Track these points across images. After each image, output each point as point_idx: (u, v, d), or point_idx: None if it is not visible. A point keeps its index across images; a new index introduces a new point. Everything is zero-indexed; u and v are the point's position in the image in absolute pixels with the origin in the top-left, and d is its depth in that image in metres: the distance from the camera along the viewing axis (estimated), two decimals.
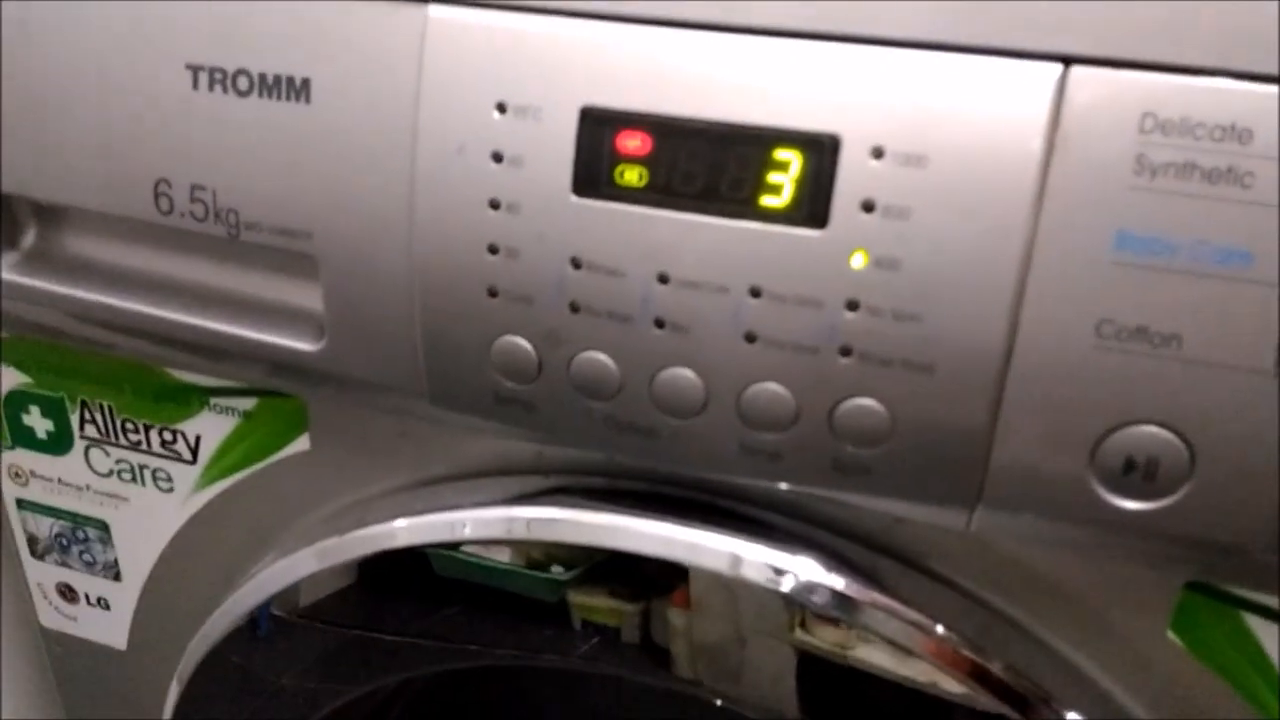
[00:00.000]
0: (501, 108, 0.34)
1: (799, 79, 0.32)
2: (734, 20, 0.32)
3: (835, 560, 0.40)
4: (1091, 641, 0.40)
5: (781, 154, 0.32)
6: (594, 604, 0.43)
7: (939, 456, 0.34)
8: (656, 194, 0.34)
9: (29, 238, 0.46)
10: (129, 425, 0.52)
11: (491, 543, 0.44)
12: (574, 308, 0.36)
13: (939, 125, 0.31)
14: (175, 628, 0.55)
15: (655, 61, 0.33)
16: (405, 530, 0.45)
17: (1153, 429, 0.31)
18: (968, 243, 0.31)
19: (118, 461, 0.53)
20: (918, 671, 0.39)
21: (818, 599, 0.39)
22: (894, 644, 0.39)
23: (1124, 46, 0.29)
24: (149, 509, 0.54)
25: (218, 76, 0.38)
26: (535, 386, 0.38)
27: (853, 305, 0.33)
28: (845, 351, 0.33)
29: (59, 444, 0.54)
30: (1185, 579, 0.38)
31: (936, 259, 0.31)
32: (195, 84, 0.38)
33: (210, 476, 0.51)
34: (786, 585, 0.39)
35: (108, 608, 0.59)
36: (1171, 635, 0.39)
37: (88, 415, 0.53)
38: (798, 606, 0.39)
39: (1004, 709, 0.38)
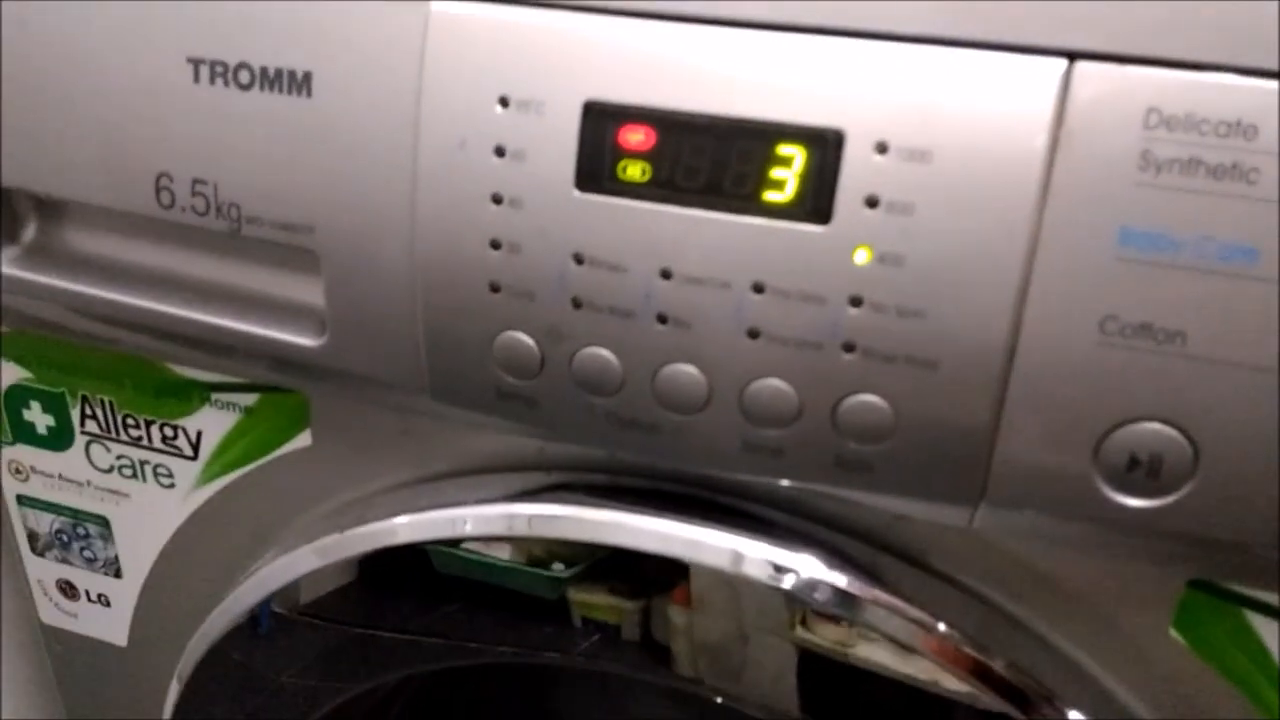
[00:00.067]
0: (504, 102, 0.34)
1: (803, 74, 0.32)
2: (738, 15, 0.32)
3: (837, 557, 0.40)
4: (1093, 639, 0.40)
5: (785, 149, 0.32)
6: (594, 601, 0.43)
7: (942, 453, 0.34)
8: (659, 189, 0.34)
9: (29, 232, 0.46)
10: (130, 421, 0.52)
11: (493, 539, 0.44)
12: (576, 303, 0.36)
13: (943, 120, 0.31)
14: (176, 625, 0.55)
15: (658, 56, 0.33)
16: (406, 527, 0.45)
17: (1156, 426, 0.31)
18: (972, 239, 0.31)
19: (118, 457, 0.53)
20: (919, 669, 0.39)
21: (819, 596, 0.39)
22: (896, 642, 0.38)
23: (1129, 42, 0.29)
24: (150, 505, 0.54)
25: (219, 70, 0.37)
26: (537, 382, 0.38)
27: (856, 301, 0.32)
28: (848, 348, 0.33)
29: (60, 439, 0.54)
30: (1188, 576, 0.38)
31: (940, 255, 0.31)
32: (196, 77, 0.38)
33: (211, 473, 0.51)
34: (788, 582, 0.39)
35: (108, 604, 0.58)
36: (1174, 633, 0.39)
37: (88, 411, 0.53)
38: (799, 604, 0.39)
39: (1006, 707, 0.38)
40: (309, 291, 0.41)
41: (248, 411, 0.49)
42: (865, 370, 0.33)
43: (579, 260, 0.35)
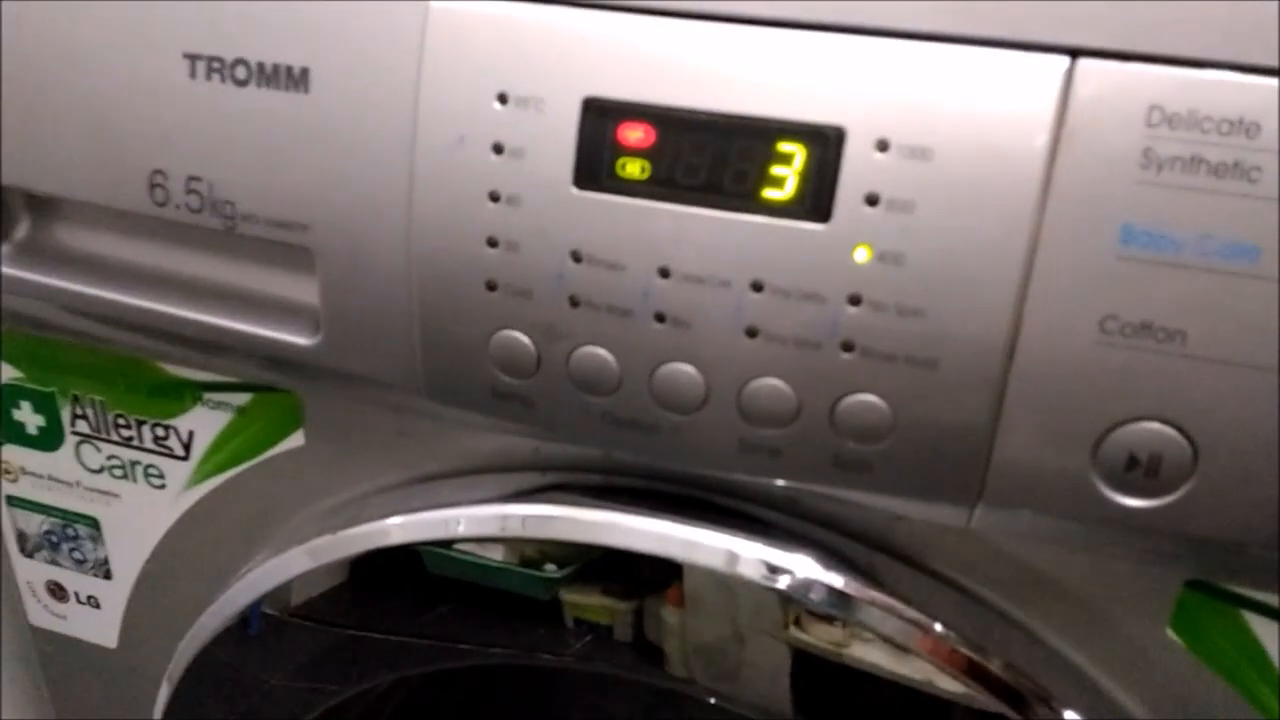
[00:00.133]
0: (502, 98, 0.34)
1: (803, 71, 0.32)
2: (738, 11, 0.32)
3: (833, 558, 0.40)
4: (1091, 640, 0.40)
5: (785, 146, 0.32)
6: (587, 602, 0.43)
7: (940, 453, 0.34)
8: (658, 187, 0.34)
9: (21, 229, 0.46)
10: (121, 421, 0.52)
11: (486, 540, 0.43)
12: (574, 302, 0.35)
13: (944, 118, 0.31)
14: (166, 626, 0.54)
15: (658, 52, 0.33)
16: (399, 528, 0.44)
17: (1156, 426, 0.31)
18: (972, 237, 0.31)
19: (109, 458, 0.53)
20: (915, 670, 0.39)
21: (814, 596, 0.39)
22: (891, 642, 0.38)
23: (1131, 39, 0.29)
24: (140, 506, 0.53)
25: (215, 66, 0.37)
26: (534, 381, 0.37)
27: (855, 300, 0.32)
28: (847, 347, 0.33)
29: (50, 440, 0.54)
30: (1185, 577, 0.38)
31: (940, 253, 0.31)
32: (192, 73, 0.38)
33: (203, 473, 0.51)
34: (783, 583, 0.39)
35: (98, 606, 0.58)
36: (1171, 633, 0.39)
37: (79, 410, 0.52)
38: (794, 604, 0.39)
39: (1002, 708, 0.38)
40: (304, 290, 0.41)
41: (240, 411, 0.49)
42: (864, 369, 0.33)
43: (577, 258, 0.35)
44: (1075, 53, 0.30)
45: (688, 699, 0.44)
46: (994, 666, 0.38)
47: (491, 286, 0.36)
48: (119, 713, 0.61)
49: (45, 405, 0.53)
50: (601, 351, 0.36)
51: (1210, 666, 0.38)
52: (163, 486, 0.52)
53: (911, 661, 0.38)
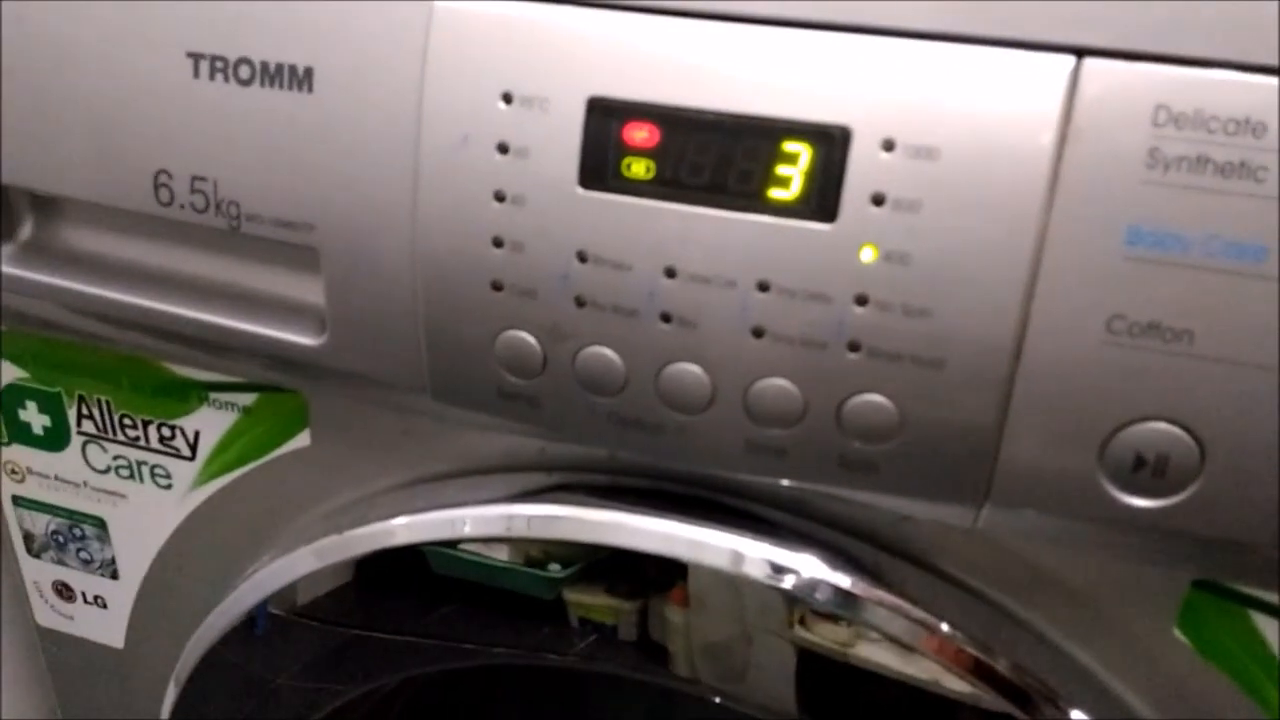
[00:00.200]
0: (507, 98, 0.34)
1: (809, 70, 0.32)
2: (744, 11, 0.32)
3: (839, 557, 0.40)
4: (1097, 639, 0.40)
5: (791, 146, 0.32)
6: (591, 602, 0.43)
7: (947, 453, 0.34)
8: (664, 186, 0.33)
9: (26, 229, 0.46)
10: (127, 421, 0.52)
11: (492, 540, 0.43)
12: (579, 302, 0.35)
13: (951, 117, 0.30)
14: (173, 626, 0.55)
15: (663, 52, 0.33)
16: (405, 528, 0.44)
17: (1163, 426, 0.31)
18: (979, 237, 0.31)
19: (115, 458, 0.53)
20: (921, 669, 0.39)
21: (820, 596, 0.39)
22: (897, 642, 0.38)
23: (1137, 38, 0.29)
24: (147, 506, 0.53)
25: (219, 65, 0.37)
26: (539, 382, 0.37)
27: (862, 300, 0.32)
28: (854, 347, 0.33)
29: (56, 440, 0.54)
30: (1192, 577, 0.37)
31: (947, 253, 0.31)
32: (196, 73, 0.38)
33: (209, 473, 0.51)
34: (788, 582, 0.39)
35: (105, 606, 0.58)
36: (1178, 633, 0.38)
37: (85, 410, 0.52)
38: (799, 604, 0.39)
39: (1009, 707, 0.38)
40: (309, 290, 0.41)
41: (246, 411, 0.49)
42: (870, 369, 0.33)
43: (582, 258, 0.35)
44: (1081, 52, 0.30)
45: (692, 699, 0.44)
46: (1000, 666, 0.38)
47: (497, 286, 0.36)
48: (126, 713, 0.61)
49: (51, 405, 0.53)
50: (607, 352, 0.36)
51: (1217, 666, 0.38)
52: (169, 487, 0.52)
53: (918, 661, 0.38)
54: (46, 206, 0.45)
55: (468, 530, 0.43)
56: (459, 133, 0.35)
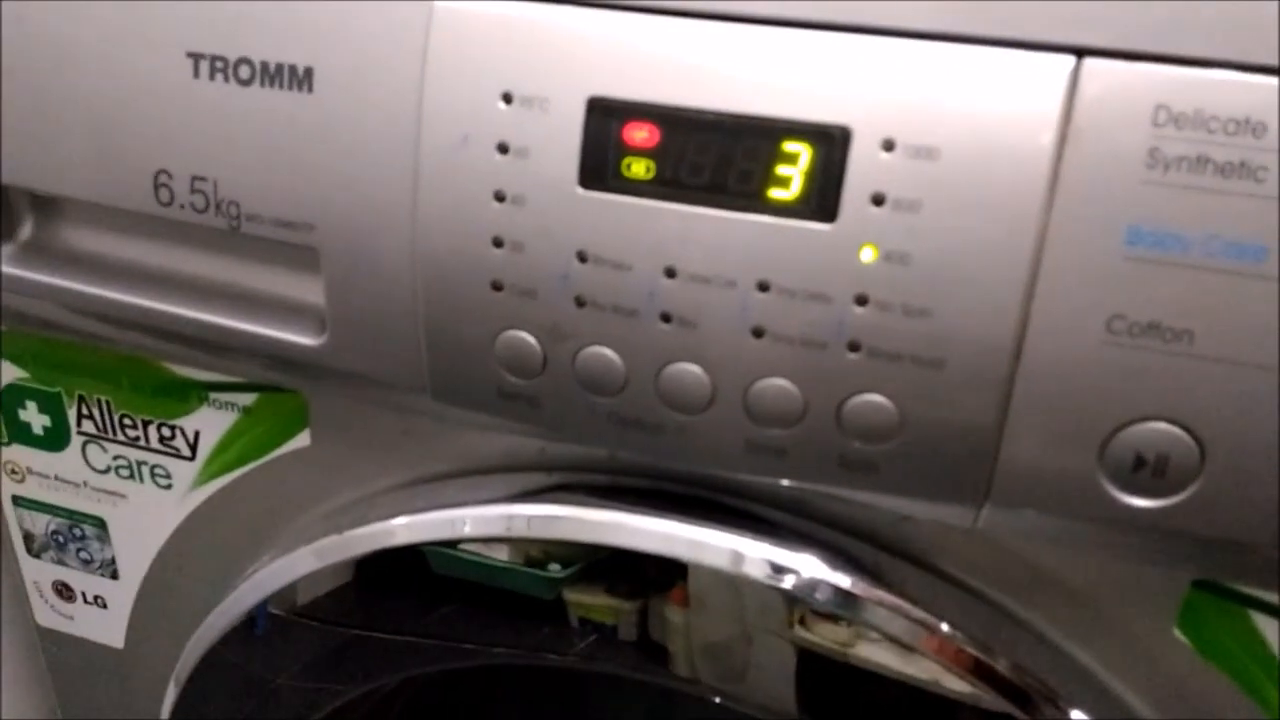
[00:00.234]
0: (507, 98, 0.34)
1: (809, 70, 0.32)
2: (744, 10, 0.32)
3: (838, 557, 0.40)
4: (1097, 639, 0.40)
5: (791, 146, 0.32)
6: (591, 602, 0.43)
7: (947, 453, 0.34)
8: (664, 186, 0.33)
9: (26, 229, 0.46)
10: (127, 421, 0.52)
11: (492, 540, 0.43)
12: (579, 302, 0.35)
13: (951, 117, 0.30)
14: (173, 626, 0.55)
15: (663, 52, 0.33)
16: (405, 528, 0.44)
17: (1163, 426, 0.31)
18: (979, 237, 0.31)
19: (115, 458, 0.53)
20: (921, 669, 0.38)
21: (820, 596, 0.39)
22: (897, 642, 0.38)
23: (1137, 38, 0.29)
24: (147, 506, 0.53)
25: (219, 65, 0.37)
26: (539, 382, 0.37)
27: (862, 300, 0.32)
28: (854, 347, 0.33)
29: (56, 440, 0.54)
30: (1192, 577, 0.37)
31: (947, 253, 0.31)
32: (196, 72, 0.38)
33: (209, 473, 0.51)
34: (788, 582, 0.39)
35: (105, 606, 0.58)
36: (1178, 633, 0.38)
37: (85, 410, 0.52)
38: (800, 604, 0.39)
39: (1009, 707, 0.38)
40: (309, 290, 0.41)
41: (246, 411, 0.49)
42: (870, 369, 0.33)
43: (582, 258, 0.35)
44: (1081, 52, 0.30)
45: (692, 699, 0.44)
46: (1000, 666, 0.38)
47: (497, 286, 0.36)
48: (126, 713, 0.61)
49: (51, 405, 0.53)
50: (607, 352, 0.36)
51: (1217, 666, 0.38)
52: (169, 486, 0.52)
53: (918, 661, 0.38)
54: (46, 206, 0.45)
55: (468, 530, 0.43)
56: (459, 133, 0.35)
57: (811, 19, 0.32)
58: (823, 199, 0.32)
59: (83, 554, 0.57)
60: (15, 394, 0.53)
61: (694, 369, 0.35)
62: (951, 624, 0.38)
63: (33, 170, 0.42)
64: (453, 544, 0.44)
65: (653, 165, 0.33)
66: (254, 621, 0.49)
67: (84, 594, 0.58)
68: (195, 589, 0.53)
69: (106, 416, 0.52)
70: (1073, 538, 0.36)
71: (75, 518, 0.56)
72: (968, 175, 0.31)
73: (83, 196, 0.42)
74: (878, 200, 0.31)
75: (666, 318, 0.35)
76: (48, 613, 0.60)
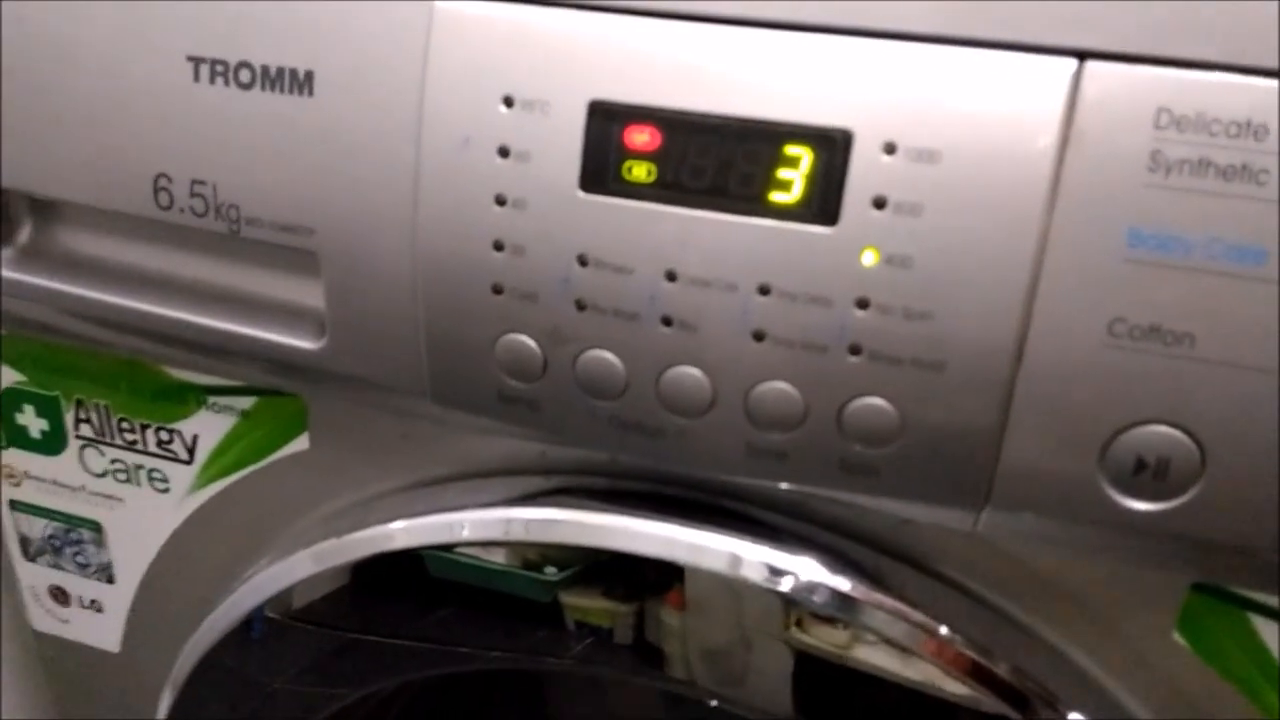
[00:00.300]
0: (508, 101, 0.34)
1: (810, 73, 0.32)
2: (745, 13, 0.32)
3: (837, 561, 0.39)
4: (1097, 642, 0.40)
5: (792, 149, 0.32)
6: (587, 605, 0.43)
7: (948, 457, 0.34)
8: (665, 190, 0.33)
9: (24, 233, 0.46)
10: (125, 425, 0.51)
11: (490, 544, 0.43)
12: (580, 305, 0.35)
13: (952, 120, 0.30)
14: (169, 631, 0.54)
15: (664, 55, 0.33)
16: (403, 532, 0.44)
17: (1164, 429, 0.31)
18: (980, 240, 0.31)
19: (113, 462, 0.53)
20: (919, 672, 0.38)
21: (818, 599, 0.39)
22: (895, 644, 0.38)
23: (1139, 41, 0.29)
24: (144, 510, 0.53)
25: (219, 69, 0.37)
26: (540, 385, 0.37)
27: (863, 303, 0.32)
28: (855, 350, 0.33)
29: (53, 444, 0.54)
30: (1192, 580, 0.37)
31: (948, 256, 0.31)
32: (196, 76, 0.38)
33: (207, 477, 0.51)
34: (785, 585, 0.39)
35: (101, 610, 0.58)
36: (1177, 636, 0.38)
37: (83, 414, 0.52)
38: (798, 607, 0.39)
39: (1007, 710, 0.38)
40: (308, 294, 0.41)
41: (245, 415, 0.49)
42: (872, 373, 0.33)
43: (583, 262, 0.35)
44: (1083, 55, 0.30)
45: (690, 701, 0.44)
46: (999, 669, 0.38)
47: (497, 290, 0.36)
48: (122, 716, 0.61)
49: (48, 409, 0.53)
50: (608, 355, 0.36)
51: (1216, 669, 0.38)
52: (166, 490, 0.52)
53: (916, 664, 0.38)
54: (45, 210, 0.45)
55: (466, 534, 0.43)
56: (460, 136, 0.35)
57: (812, 22, 0.32)
58: (824, 202, 0.32)
59: (79, 558, 0.57)
60: (13, 398, 0.53)
61: (695, 372, 0.35)
62: (950, 627, 0.38)
63: (32, 173, 0.42)
64: (450, 547, 0.44)
65: (654, 168, 0.33)
66: (251, 625, 0.49)
67: (80, 598, 0.58)
68: (192, 593, 0.53)
69: (104, 420, 0.52)
70: (1073, 541, 0.35)
71: (72, 522, 0.56)
72: (969, 178, 0.31)
73: (82, 200, 0.42)
74: (879, 203, 0.31)
75: (667, 321, 0.35)
76: (44, 617, 0.60)
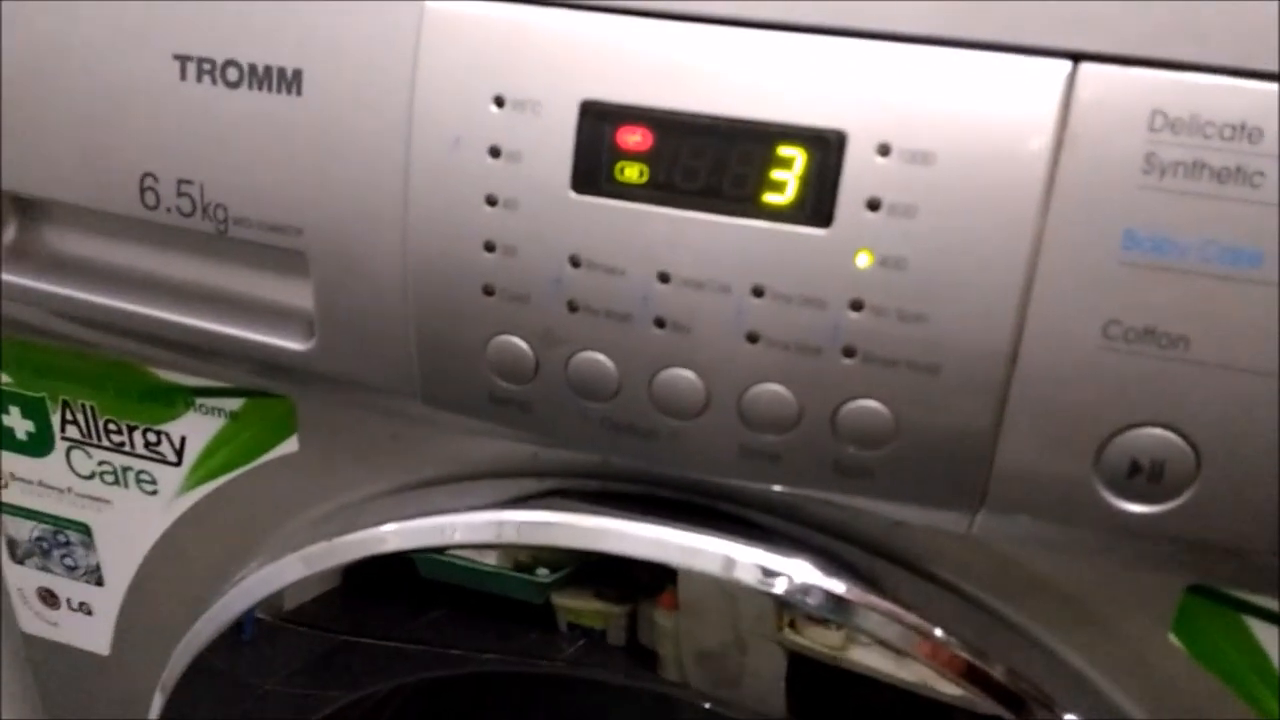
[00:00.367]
0: (499, 101, 0.34)
1: (804, 74, 0.31)
2: (738, 14, 0.32)
3: (831, 563, 0.39)
4: (1092, 644, 0.40)
5: (785, 150, 0.32)
6: (580, 606, 0.43)
7: (942, 459, 0.33)
8: (657, 191, 0.33)
9: (10, 233, 0.45)
10: (112, 426, 0.51)
11: (481, 547, 0.43)
12: (572, 307, 0.35)
13: (946, 122, 0.30)
14: (159, 633, 0.54)
15: (657, 55, 0.33)
16: (395, 535, 0.44)
17: (1158, 431, 0.31)
18: (974, 242, 0.31)
19: (100, 463, 0.52)
20: (914, 674, 0.38)
21: (812, 601, 0.38)
22: (890, 646, 0.38)
23: (1134, 43, 0.29)
24: (133, 512, 0.53)
25: (206, 67, 0.37)
26: (531, 387, 0.37)
27: (857, 305, 0.32)
28: (849, 352, 0.33)
29: (39, 445, 0.53)
30: (1187, 582, 0.37)
31: (942, 258, 0.31)
32: (183, 75, 0.37)
33: (196, 479, 0.51)
34: (779, 587, 0.39)
35: (90, 613, 0.58)
36: (1173, 638, 0.38)
37: (69, 416, 0.52)
38: (791, 609, 0.39)
39: (1002, 712, 0.38)
40: (297, 294, 0.40)
41: (233, 416, 0.48)
42: (866, 375, 0.33)
43: (575, 263, 0.35)
44: (1077, 57, 0.29)
45: (683, 703, 0.44)
46: (994, 671, 0.38)
47: (489, 291, 0.36)
48: (113, 718, 0.61)
49: (35, 411, 0.52)
50: (600, 357, 0.36)
51: (1212, 671, 0.38)
52: (155, 492, 0.52)
53: (910, 666, 0.38)
54: (30, 209, 0.45)
55: (458, 537, 0.43)
56: (450, 136, 0.35)
57: (806, 23, 0.31)
58: (818, 203, 0.32)
59: (67, 560, 0.56)
60: None
61: (687, 374, 0.35)
62: (945, 629, 0.38)
63: (16, 172, 0.42)
64: (442, 550, 0.43)
65: (646, 169, 0.33)
66: (242, 628, 0.49)
67: (69, 600, 0.58)
68: (182, 595, 0.53)
69: (91, 422, 0.51)
70: (1068, 543, 0.35)
71: (60, 524, 0.55)
72: (963, 180, 0.30)
73: (67, 199, 0.41)
74: (873, 205, 0.31)
75: (660, 323, 0.34)
76: (32, 619, 0.60)
